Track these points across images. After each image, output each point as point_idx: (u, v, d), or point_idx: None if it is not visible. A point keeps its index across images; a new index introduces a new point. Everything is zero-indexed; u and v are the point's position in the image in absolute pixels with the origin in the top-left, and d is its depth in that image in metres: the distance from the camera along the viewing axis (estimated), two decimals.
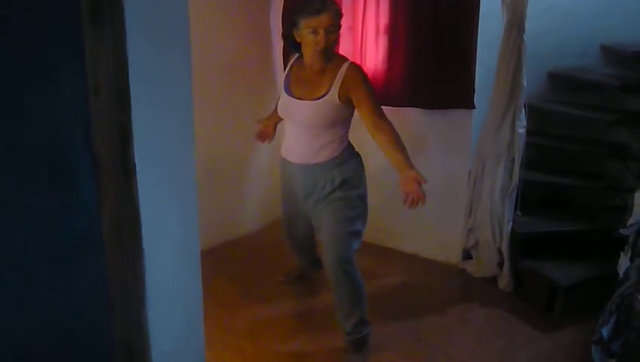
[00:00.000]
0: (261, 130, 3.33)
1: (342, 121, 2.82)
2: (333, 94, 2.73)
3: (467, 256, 3.80)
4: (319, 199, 2.87)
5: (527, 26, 3.21)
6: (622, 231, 3.08)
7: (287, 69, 2.95)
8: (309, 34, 2.71)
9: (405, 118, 3.82)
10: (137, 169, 1.34)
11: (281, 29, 4.02)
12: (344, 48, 3.81)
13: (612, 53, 4.00)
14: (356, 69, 2.80)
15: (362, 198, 2.93)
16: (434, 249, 3.91)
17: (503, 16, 3.26)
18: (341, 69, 2.75)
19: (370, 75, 3.77)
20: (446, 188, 3.80)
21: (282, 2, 4.01)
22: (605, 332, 2.44)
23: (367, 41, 3.76)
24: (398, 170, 2.67)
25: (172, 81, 1.41)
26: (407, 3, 3.57)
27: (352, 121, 2.89)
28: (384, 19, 3.69)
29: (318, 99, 2.75)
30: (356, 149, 2.99)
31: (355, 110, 2.79)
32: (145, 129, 1.34)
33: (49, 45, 1.25)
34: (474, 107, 3.53)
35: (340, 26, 2.79)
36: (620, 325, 2.42)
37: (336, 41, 2.83)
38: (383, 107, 3.71)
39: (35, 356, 1.36)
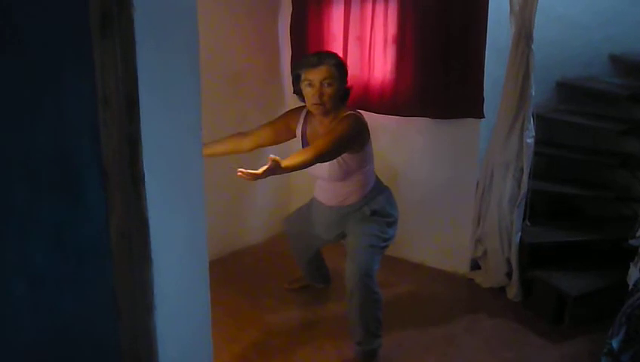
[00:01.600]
0: None
1: (358, 167, 2.87)
2: None
3: (475, 265, 3.79)
4: (352, 223, 2.96)
5: (535, 35, 3.21)
6: (631, 241, 3.06)
7: (300, 131, 2.97)
8: (306, 87, 2.79)
9: (414, 128, 3.83)
10: (146, 178, 1.34)
11: (290, 42, 4.05)
12: (352, 58, 3.82)
13: (620, 63, 3.99)
14: (349, 118, 2.79)
15: (391, 225, 3.01)
16: (442, 258, 3.90)
17: (511, 26, 3.26)
18: (338, 119, 2.80)
19: (378, 85, 3.79)
20: (454, 198, 3.79)
21: (290, 12, 4.03)
22: (615, 343, 2.42)
23: (375, 51, 3.77)
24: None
25: (181, 90, 1.42)
26: (415, 13, 3.57)
27: (376, 128, 2.91)
28: (392, 29, 3.69)
29: None
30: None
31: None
32: (153, 138, 1.34)
33: (58, 55, 1.26)
34: (483, 116, 3.52)
35: (343, 80, 2.82)
36: (630, 336, 2.39)
37: (339, 95, 2.82)
38: (391, 117, 3.75)
39: None
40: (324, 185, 2.99)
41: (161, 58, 1.35)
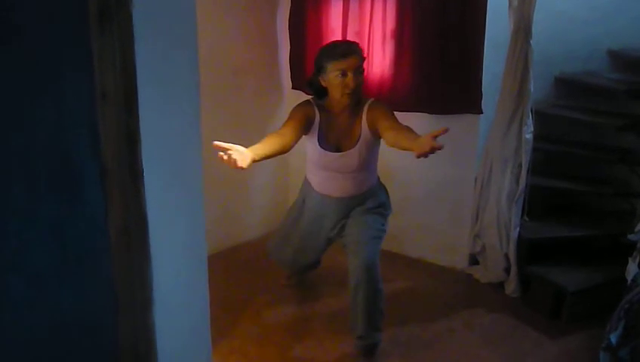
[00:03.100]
0: (236, 158, 2.39)
1: (375, 154, 2.93)
2: (365, 131, 2.82)
3: (474, 261, 3.79)
4: (353, 216, 2.95)
5: (533, 31, 3.21)
6: (630, 236, 3.06)
7: (317, 125, 2.87)
8: (337, 77, 2.75)
9: (412, 123, 3.79)
10: (144, 174, 1.34)
11: (289, 39, 4.03)
12: None
13: (619, 58, 3.99)
14: (381, 102, 2.91)
15: (387, 218, 3.04)
16: (440, 254, 3.90)
17: (510, 21, 3.26)
18: (365, 107, 2.83)
19: (377, 80, 3.79)
20: (453, 193, 3.79)
21: (289, 7, 4.03)
22: (613, 338, 2.42)
23: (373, 46, 3.76)
24: (414, 141, 2.52)
25: (179, 85, 1.42)
26: (414, 8, 3.57)
27: None
28: (391, 25, 3.69)
29: (356, 143, 2.83)
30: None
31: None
32: (152, 133, 1.34)
33: (56, 50, 1.26)
34: (481, 112, 3.52)
35: (364, 69, 2.86)
36: (629, 331, 2.40)
37: (362, 83, 2.86)
38: None
39: (42, 359, 1.36)
40: (339, 176, 2.92)
41: (159, 53, 1.35)
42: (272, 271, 3.74)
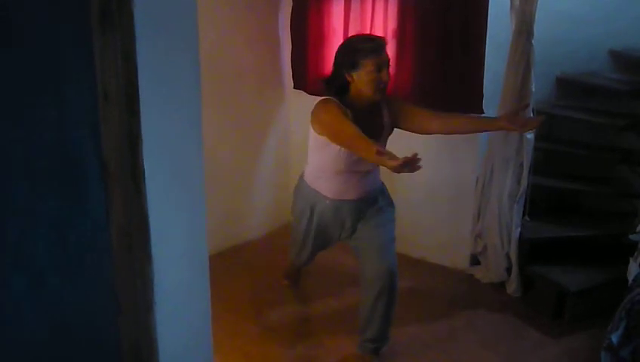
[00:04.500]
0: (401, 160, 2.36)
1: None
2: (388, 125, 2.80)
3: (475, 261, 3.79)
4: (368, 217, 2.89)
5: (535, 31, 3.21)
6: (631, 236, 3.06)
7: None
8: (371, 72, 2.64)
9: None
10: (146, 174, 1.34)
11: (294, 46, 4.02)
12: None
13: (621, 58, 3.99)
14: (394, 96, 2.91)
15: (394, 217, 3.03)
16: (442, 254, 3.90)
17: (512, 21, 3.25)
18: (383, 102, 2.77)
19: None
20: (454, 194, 3.79)
21: (290, 6, 4.03)
22: (615, 338, 2.42)
23: None
24: (492, 122, 2.72)
25: (181, 86, 1.42)
26: (415, 8, 3.57)
27: None
28: (392, 25, 3.69)
29: (379, 139, 2.74)
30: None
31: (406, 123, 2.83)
32: (154, 134, 1.34)
33: (59, 50, 1.26)
34: (482, 112, 3.52)
35: None
36: (630, 331, 2.40)
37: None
38: None
39: (43, 359, 1.36)
40: (357, 177, 2.82)
41: (161, 53, 1.35)
42: (273, 271, 3.75)
